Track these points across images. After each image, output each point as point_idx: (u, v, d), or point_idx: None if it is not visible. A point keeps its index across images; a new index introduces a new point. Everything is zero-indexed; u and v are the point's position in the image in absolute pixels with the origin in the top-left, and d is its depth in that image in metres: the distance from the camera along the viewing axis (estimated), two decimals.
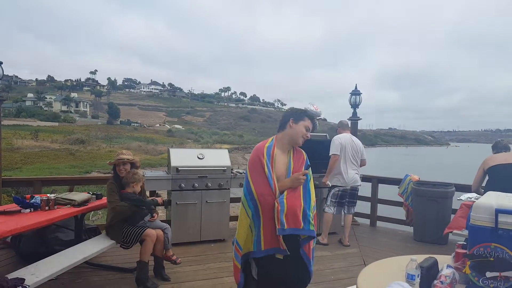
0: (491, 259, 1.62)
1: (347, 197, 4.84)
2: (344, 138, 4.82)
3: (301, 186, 2.24)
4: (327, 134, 5.78)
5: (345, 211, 4.91)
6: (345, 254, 4.52)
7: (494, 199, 1.76)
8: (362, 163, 4.92)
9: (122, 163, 3.51)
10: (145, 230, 3.36)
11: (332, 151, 4.73)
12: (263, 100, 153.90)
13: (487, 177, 4.18)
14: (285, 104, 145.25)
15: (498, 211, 1.64)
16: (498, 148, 4.34)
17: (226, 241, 4.76)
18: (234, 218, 5.80)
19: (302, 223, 2.13)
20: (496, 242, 1.63)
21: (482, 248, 1.65)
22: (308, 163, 2.39)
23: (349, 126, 5.22)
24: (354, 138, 4.93)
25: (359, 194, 6.05)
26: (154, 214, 3.63)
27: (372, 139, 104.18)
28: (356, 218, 6.09)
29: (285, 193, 2.17)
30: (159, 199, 3.75)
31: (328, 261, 4.22)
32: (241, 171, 5.11)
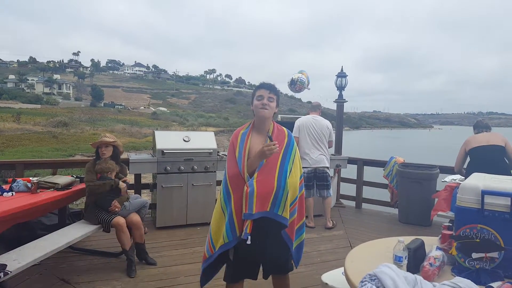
0: (477, 240, 1.64)
1: (315, 179, 4.81)
2: (303, 120, 4.83)
3: (278, 166, 2.12)
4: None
5: (318, 195, 4.87)
6: (331, 236, 4.57)
7: (480, 180, 1.77)
8: (329, 144, 4.91)
9: (105, 145, 3.46)
10: (113, 218, 3.27)
11: (293, 133, 4.81)
12: (248, 82, 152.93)
13: (468, 158, 4.23)
14: None
15: (484, 192, 1.65)
16: (479, 127, 4.36)
17: None
18: None
19: (270, 206, 2.05)
20: (482, 223, 1.64)
21: (468, 230, 1.66)
22: (293, 141, 2.29)
23: (319, 107, 5.09)
24: (318, 119, 4.85)
25: (344, 176, 6.16)
26: (113, 204, 3.33)
27: (356, 121, 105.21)
28: (341, 200, 6.16)
29: (256, 175, 2.07)
30: (121, 183, 3.44)
31: (315, 243, 4.26)
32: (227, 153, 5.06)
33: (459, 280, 1.39)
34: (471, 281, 1.41)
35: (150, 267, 3.41)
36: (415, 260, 1.66)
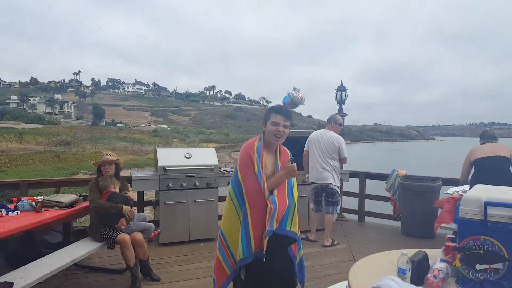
0: (481, 251, 1.65)
1: (324, 195, 4.72)
2: (313, 134, 4.84)
3: (286, 183, 2.22)
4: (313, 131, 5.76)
5: (326, 211, 4.76)
6: (334, 250, 4.55)
7: (483, 191, 1.79)
8: (342, 161, 4.78)
9: (108, 163, 3.51)
10: (118, 235, 3.29)
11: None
12: (248, 98, 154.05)
13: (473, 169, 4.19)
14: (270, 102, 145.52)
15: (487, 204, 1.66)
16: (485, 137, 4.33)
17: (215, 240, 4.71)
18: None
19: (281, 223, 2.12)
20: (485, 235, 1.65)
21: (472, 241, 1.67)
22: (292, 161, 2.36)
23: (332, 121, 4.84)
24: (328, 134, 4.72)
25: (346, 190, 6.13)
26: (120, 222, 3.37)
27: (357, 135, 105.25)
28: (344, 214, 6.14)
29: (275, 192, 2.14)
30: (124, 208, 3.41)
31: (318, 257, 4.24)
32: (228, 169, 5.09)
33: None
34: None
35: (154, 283, 3.41)
36: (419, 273, 1.66)
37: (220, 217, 4.95)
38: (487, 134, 4.36)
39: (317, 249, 4.55)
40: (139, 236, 3.44)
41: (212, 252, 4.26)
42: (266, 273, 2.12)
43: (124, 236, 3.29)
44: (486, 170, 4.00)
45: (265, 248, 2.07)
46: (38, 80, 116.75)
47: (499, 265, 1.61)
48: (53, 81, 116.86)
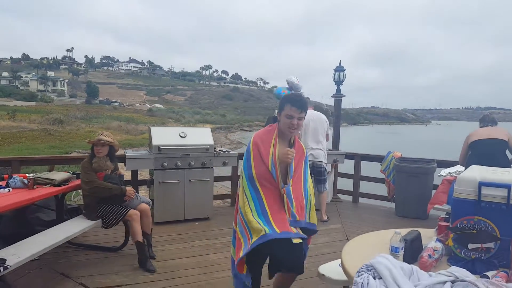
0: (474, 231, 1.65)
1: (313, 173, 4.87)
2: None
3: (302, 176, 2.27)
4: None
5: (316, 189, 4.90)
6: (328, 229, 4.59)
7: (478, 172, 1.78)
8: (327, 137, 5.00)
9: (101, 144, 3.43)
10: (128, 211, 3.32)
11: None
12: (245, 78, 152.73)
13: (470, 151, 4.24)
14: (267, 83, 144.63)
15: (482, 184, 1.66)
16: (485, 121, 4.37)
17: (210, 219, 4.76)
18: (218, 197, 5.81)
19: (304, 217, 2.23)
20: (479, 215, 1.66)
21: (466, 221, 1.68)
22: (307, 159, 2.41)
23: (311, 103, 5.24)
24: (316, 113, 4.91)
25: (341, 171, 6.18)
26: (129, 192, 3.44)
27: (354, 117, 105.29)
28: (338, 195, 6.19)
29: (291, 181, 2.18)
30: (128, 189, 3.49)
31: (312, 237, 4.26)
32: (224, 149, 5.07)
33: (455, 269, 1.40)
34: (467, 270, 1.43)
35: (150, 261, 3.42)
36: (411, 251, 1.67)
37: (215, 197, 4.98)
38: (487, 118, 4.40)
39: None
40: (145, 205, 3.51)
41: (207, 231, 4.34)
42: (288, 254, 2.10)
43: (135, 211, 3.35)
44: (481, 152, 4.05)
45: (298, 231, 2.14)
46: (30, 57, 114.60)
47: (491, 245, 1.62)
48: (46, 57, 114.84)
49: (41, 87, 75.54)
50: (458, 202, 1.72)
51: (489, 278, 1.42)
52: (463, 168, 4.29)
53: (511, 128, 4.73)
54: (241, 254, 2.11)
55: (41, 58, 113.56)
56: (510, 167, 3.91)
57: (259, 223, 2.07)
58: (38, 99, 59.50)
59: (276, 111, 2.30)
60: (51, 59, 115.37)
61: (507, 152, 4.09)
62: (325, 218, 4.90)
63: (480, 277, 1.45)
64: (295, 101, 2.17)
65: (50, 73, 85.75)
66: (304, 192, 2.26)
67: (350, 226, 4.75)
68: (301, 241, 2.10)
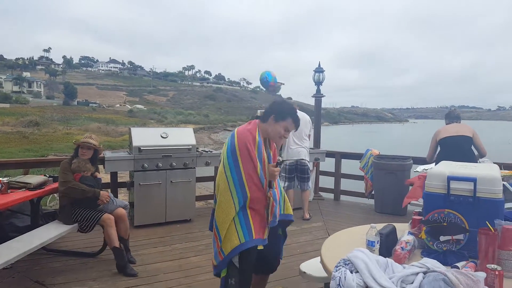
0: (444, 224, 1.72)
1: (297, 171, 4.95)
2: None
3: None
4: None
5: (299, 187, 5.02)
6: (310, 228, 4.65)
7: (446, 167, 1.85)
8: (309, 138, 5.10)
9: (87, 147, 3.40)
10: (102, 215, 3.24)
11: None
12: (228, 79, 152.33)
13: (439, 148, 4.39)
14: (250, 83, 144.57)
15: (450, 178, 1.73)
16: (450, 117, 4.55)
17: (192, 221, 4.74)
18: (200, 198, 5.78)
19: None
20: (448, 208, 1.72)
21: (436, 214, 1.74)
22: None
23: (296, 103, 5.29)
24: (300, 114, 4.97)
25: (323, 170, 6.27)
26: (102, 195, 3.34)
27: (335, 117, 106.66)
28: (320, 193, 6.27)
29: (274, 184, 2.20)
30: (102, 193, 3.37)
31: (295, 235, 4.32)
32: (207, 149, 5.06)
33: (426, 260, 1.46)
34: (438, 261, 1.48)
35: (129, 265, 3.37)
36: (387, 245, 1.72)
37: (197, 198, 4.94)
38: (452, 114, 4.56)
39: (294, 227, 4.63)
40: (121, 210, 3.42)
41: (188, 233, 4.32)
42: (260, 254, 2.19)
43: (109, 215, 3.26)
44: (450, 149, 4.22)
45: (265, 237, 2.17)
46: (5, 57, 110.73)
47: (460, 236, 1.69)
48: (21, 58, 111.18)
49: (16, 88, 73.11)
50: (429, 196, 1.78)
51: (458, 268, 1.48)
52: (434, 164, 4.45)
53: (482, 125, 4.92)
54: (215, 264, 2.18)
55: (16, 58, 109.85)
56: (476, 162, 4.08)
57: (236, 231, 2.08)
58: (12, 101, 57.53)
59: (260, 111, 2.33)
60: (27, 59, 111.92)
61: (472, 147, 4.26)
62: (307, 216, 4.96)
63: (451, 268, 1.51)
64: (297, 120, 2.26)
65: (26, 74, 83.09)
66: (279, 186, 2.33)
67: (332, 223, 4.82)
68: (262, 247, 2.15)
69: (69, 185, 3.22)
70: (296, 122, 2.24)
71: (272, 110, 2.21)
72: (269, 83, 4.78)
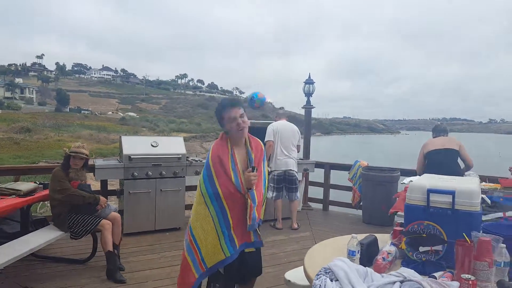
0: (424, 235, 1.78)
1: (285, 182, 4.99)
2: (276, 125, 5.00)
3: (261, 175, 2.22)
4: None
5: (287, 198, 5.05)
6: (298, 237, 4.69)
7: (427, 180, 1.92)
8: (298, 148, 5.13)
9: (80, 157, 3.44)
10: (100, 221, 3.33)
11: (266, 138, 4.92)
12: (221, 87, 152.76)
13: (426, 161, 4.47)
14: (243, 92, 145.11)
15: (430, 191, 1.80)
16: (437, 131, 4.64)
17: (181, 229, 4.75)
18: (190, 206, 5.75)
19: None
20: (428, 220, 1.79)
21: (416, 226, 1.80)
22: (264, 153, 2.34)
23: (285, 114, 5.46)
24: (288, 124, 5.08)
25: (312, 180, 6.34)
26: (102, 200, 3.49)
27: (328, 127, 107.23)
28: (309, 203, 6.33)
29: (254, 187, 2.13)
30: (102, 198, 3.55)
31: (282, 244, 4.36)
32: (197, 159, 5.09)
33: (403, 270, 1.52)
34: (416, 271, 1.54)
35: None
36: (368, 255, 1.77)
37: (187, 206, 4.96)
38: (439, 128, 4.66)
39: (283, 236, 4.68)
40: (116, 214, 3.55)
41: (178, 241, 4.32)
42: (243, 262, 2.19)
43: (107, 220, 3.36)
44: (436, 162, 4.29)
45: (253, 240, 2.19)
46: None
47: (439, 247, 1.75)
48: (14, 64, 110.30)
49: (8, 94, 72.35)
50: (409, 208, 1.85)
51: (436, 278, 1.54)
52: None
53: (473, 138, 5.03)
54: (196, 276, 2.10)
55: (8, 64, 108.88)
56: (462, 175, 4.16)
57: (220, 244, 2.07)
58: (4, 107, 56.93)
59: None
60: (20, 65, 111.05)
61: (459, 160, 4.35)
62: (295, 226, 5.00)
63: (429, 277, 1.57)
64: (228, 102, 2.16)
65: (18, 80, 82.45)
66: (263, 188, 2.24)
67: (319, 233, 4.87)
68: (254, 249, 2.19)
69: (69, 193, 3.27)
70: (228, 105, 2.12)
71: (216, 117, 2.21)
72: (254, 104, 4.91)
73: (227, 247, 2.08)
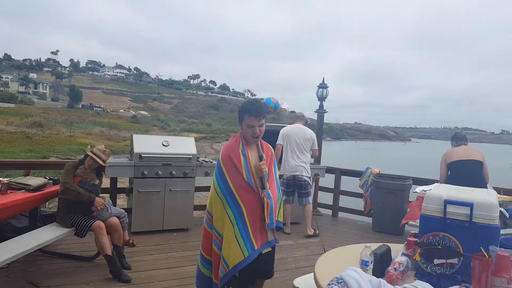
0: (439, 247, 1.72)
1: (295, 187, 4.92)
2: (288, 129, 4.95)
3: (274, 177, 2.32)
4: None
5: (298, 202, 4.99)
6: (307, 243, 4.63)
7: (444, 190, 1.86)
8: (314, 153, 5.03)
9: (95, 161, 3.41)
10: (93, 222, 3.23)
11: (277, 141, 4.92)
12: (233, 89, 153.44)
13: (449, 171, 4.28)
14: (255, 95, 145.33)
15: (447, 202, 1.74)
16: (457, 139, 4.46)
17: (189, 230, 4.73)
18: (198, 207, 5.78)
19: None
20: (444, 231, 1.73)
21: (432, 237, 1.75)
22: (275, 158, 2.46)
23: (304, 117, 5.28)
24: (302, 128, 4.97)
25: (322, 185, 6.27)
26: (97, 201, 3.31)
27: (338, 132, 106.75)
28: (318, 208, 6.25)
29: (268, 185, 2.23)
30: (97, 199, 3.35)
31: (291, 250, 4.31)
32: (207, 159, 5.07)
33: (419, 283, 1.46)
34: (431, 285, 1.48)
35: (124, 271, 3.35)
36: (380, 265, 1.72)
37: (196, 207, 4.94)
38: (459, 136, 4.50)
39: (291, 241, 4.63)
40: (114, 220, 3.41)
41: (185, 242, 4.30)
42: (257, 264, 2.19)
43: (100, 223, 3.24)
44: (461, 173, 4.12)
45: (269, 239, 2.24)
46: (12, 57, 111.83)
47: (454, 260, 1.69)
48: (29, 59, 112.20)
49: (22, 88, 73.70)
50: (425, 219, 1.79)
51: None
52: (433, 186, 4.39)
53: (485, 149, 4.90)
54: (221, 276, 2.15)
55: (23, 59, 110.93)
56: (486, 187, 4.02)
57: (238, 244, 2.12)
58: (18, 101, 57.97)
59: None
60: (35, 60, 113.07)
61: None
62: (309, 232, 4.85)
63: None
64: (253, 110, 2.21)
65: (33, 75, 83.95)
66: (278, 191, 2.34)
67: (329, 240, 4.80)
68: (271, 249, 2.23)
69: (66, 186, 3.25)
70: (252, 113, 2.19)
71: (238, 114, 2.30)
72: (268, 109, 4.87)
73: (246, 247, 2.12)
